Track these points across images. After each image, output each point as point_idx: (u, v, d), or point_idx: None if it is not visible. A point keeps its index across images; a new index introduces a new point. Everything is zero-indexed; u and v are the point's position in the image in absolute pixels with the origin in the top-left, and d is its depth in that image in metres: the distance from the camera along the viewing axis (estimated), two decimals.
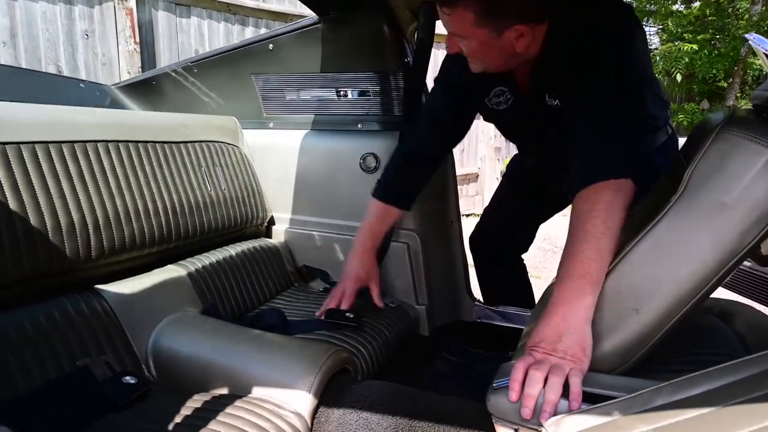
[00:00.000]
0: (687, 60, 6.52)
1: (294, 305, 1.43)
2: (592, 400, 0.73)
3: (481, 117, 1.31)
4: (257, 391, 0.93)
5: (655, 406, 0.63)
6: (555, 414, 0.72)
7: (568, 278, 0.82)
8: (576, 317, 0.79)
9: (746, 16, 6.58)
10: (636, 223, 0.89)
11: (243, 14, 3.48)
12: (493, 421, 0.81)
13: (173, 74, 1.73)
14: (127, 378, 0.92)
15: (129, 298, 1.08)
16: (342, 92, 1.57)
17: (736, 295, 1.74)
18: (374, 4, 1.40)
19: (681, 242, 0.77)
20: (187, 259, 1.30)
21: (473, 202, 5.57)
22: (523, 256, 1.67)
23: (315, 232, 1.63)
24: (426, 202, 1.55)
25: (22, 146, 0.96)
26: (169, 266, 1.24)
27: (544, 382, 0.75)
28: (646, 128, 0.94)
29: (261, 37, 1.60)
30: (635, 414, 0.63)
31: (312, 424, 0.90)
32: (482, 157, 5.61)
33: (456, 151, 5.34)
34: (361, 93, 1.56)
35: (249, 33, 3.54)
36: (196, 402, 0.89)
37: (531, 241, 1.60)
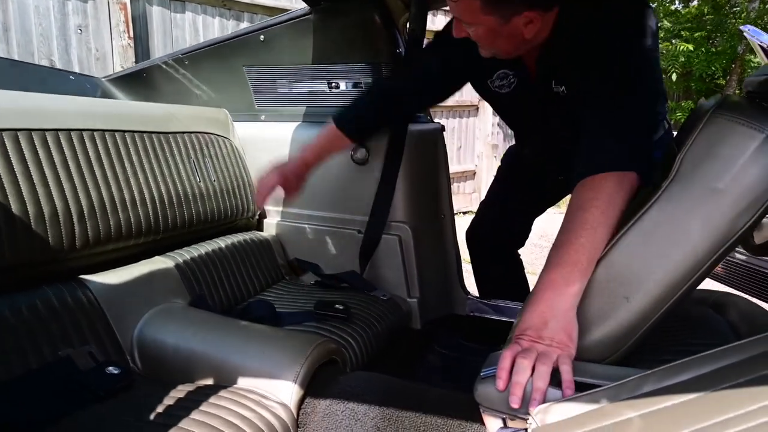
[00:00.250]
0: (683, 59, 6.52)
1: (284, 298, 1.41)
2: (581, 390, 0.71)
3: (481, 97, 1.29)
4: (242, 382, 0.92)
5: (642, 392, 0.61)
6: (543, 402, 0.70)
7: (558, 265, 0.80)
8: (562, 304, 0.78)
9: (743, 14, 6.58)
10: (627, 211, 0.87)
11: (238, 9, 3.47)
12: (481, 411, 0.80)
13: (164, 66, 1.71)
14: (111, 368, 0.91)
15: (114, 289, 1.06)
16: (334, 84, 1.56)
17: (730, 289, 1.73)
18: None
19: (672, 228, 0.76)
20: (176, 251, 1.28)
21: (470, 199, 5.56)
22: (519, 251, 1.66)
23: (306, 225, 1.61)
24: (418, 194, 1.54)
25: (3, 133, 0.94)
26: (157, 257, 1.22)
27: (532, 370, 0.74)
28: (654, 123, 0.93)
29: (252, 28, 1.59)
30: (622, 401, 0.62)
31: (298, 414, 0.88)
32: (479, 154, 5.60)
33: (453, 148, 5.31)
34: (353, 84, 1.55)
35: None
36: (179, 392, 0.88)
37: (527, 235, 1.59)
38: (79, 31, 2.91)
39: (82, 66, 2.92)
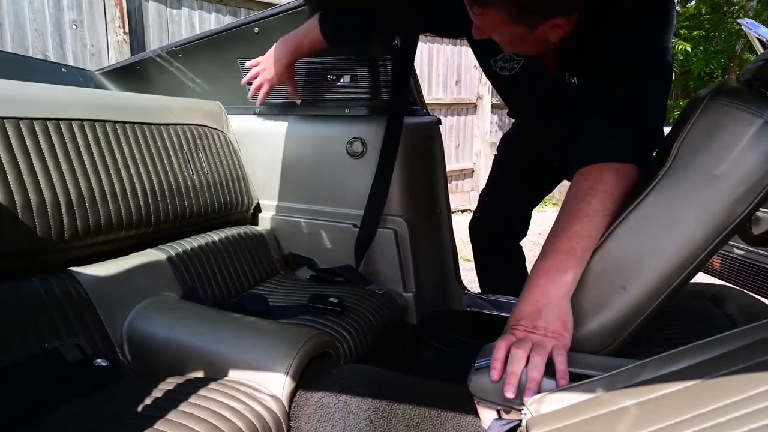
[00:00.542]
0: (682, 57, 6.51)
1: (278, 292, 1.40)
2: (576, 380, 0.70)
3: (482, 70, 1.27)
4: (233, 374, 0.90)
5: (639, 381, 0.60)
6: (538, 392, 0.69)
7: (552, 253, 0.79)
8: (556, 292, 0.76)
9: (741, 14, 6.58)
10: (628, 198, 0.86)
11: (234, 5, 3.45)
12: (475, 402, 0.78)
13: (158, 59, 1.70)
14: (99, 361, 0.89)
15: (104, 281, 1.05)
16: (329, 76, 1.55)
17: (729, 284, 1.72)
18: None
19: (669, 216, 0.74)
20: (168, 244, 1.27)
21: (469, 197, 5.55)
22: (521, 245, 1.65)
23: (302, 219, 1.60)
24: (414, 188, 1.53)
25: None
26: (149, 250, 1.21)
27: (526, 360, 0.73)
28: (659, 119, 0.92)
29: (246, 20, 1.57)
30: (619, 389, 0.60)
31: (290, 407, 0.87)
32: (477, 152, 5.59)
33: (451, 146, 5.30)
34: (349, 77, 1.53)
35: None
36: (169, 385, 0.86)
37: (527, 226, 1.59)
38: (74, 26, 2.89)
39: (77, 61, 2.90)
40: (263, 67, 1.38)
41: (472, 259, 1.68)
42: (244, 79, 1.43)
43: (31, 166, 0.97)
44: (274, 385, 0.87)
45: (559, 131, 1.24)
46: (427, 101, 1.65)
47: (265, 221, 1.66)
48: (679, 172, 0.74)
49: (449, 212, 1.64)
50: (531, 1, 0.85)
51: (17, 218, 0.92)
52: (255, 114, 1.67)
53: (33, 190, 0.95)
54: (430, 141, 1.56)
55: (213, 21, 3.38)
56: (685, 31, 6.78)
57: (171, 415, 0.76)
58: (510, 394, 0.70)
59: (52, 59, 2.82)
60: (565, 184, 1.19)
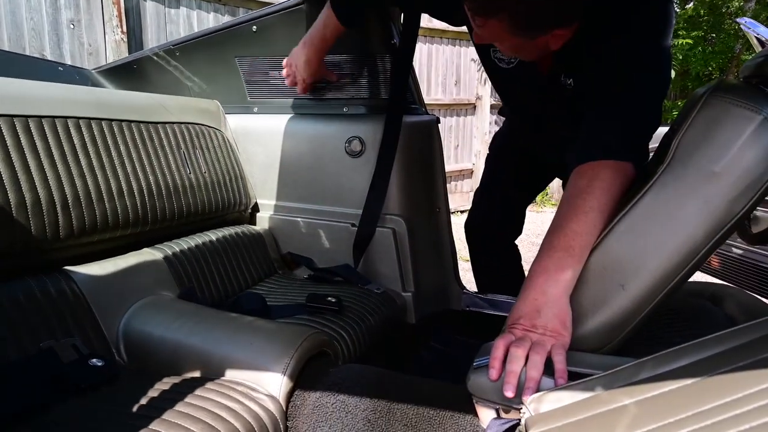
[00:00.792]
0: (681, 57, 6.52)
1: (276, 291, 1.39)
2: (575, 380, 0.70)
3: (480, 61, 1.27)
4: (230, 374, 0.89)
5: (638, 379, 0.60)
6: (537, 391, 0.69)
7: (550, 251, 0.79)
8: (555, 291, 0.76)
9: (739, 15, 6.58)
10: (622, 199, 0.86)
11: (233, 4, 3.44)
12: (474, 401, 0.78)
13: (155, 58, 1.69)
14: (94, 361, 0.88)
15: (100, 280, 1.04)
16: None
17: (728, 283, 1.72)
18: None
19: (668, 214, 0.74)
20: (165, 243, 1.26)
21: (468, 198, 5.54)
22: (517, 243, 1.65)
23: (300, 219, 1.59)
24: (413, 188, 1.52)
25: None
26: (145, 249, 1.20)
27: (525, 359, 0.72)
28: (656, 118, 0.92)
29: (244, 19, 1.56)
30: (618, 388, 0.60)
31: (287, 407, 0.86)
32: (477, 153, 5.58)
33: (450, 146, 5.28)
34: (347, 76, 1.53)
35: None
36: (165, 384, 0.85)
37: (521, 224, 1.59)
38: (71, 25, 2.88)
39: (75, 61, 2.89)
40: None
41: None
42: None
43: (26, 164, 0.96)
44: (271, 384, 0.86)
45: (556, 129, 1.24)
46: (426, 102, 1.64)
47: (263, 220, 1.65)
48: (678, 169, 0.74)
49: (448, 212, 1.63)
50: (533, 15, 0.84)
51: (12, 217, 0.91)
52: (253, 113, 1.67)
53: (28, 189, 0.95)
54: (429, 140, 1.55)
55: (211, 20, 3.37)
56: (684, 32, 6.78)
57: (167, 415, 0.75)
58: (509, 393, 0.70)
59: (50, 59, 2.81)
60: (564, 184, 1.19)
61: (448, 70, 5.12)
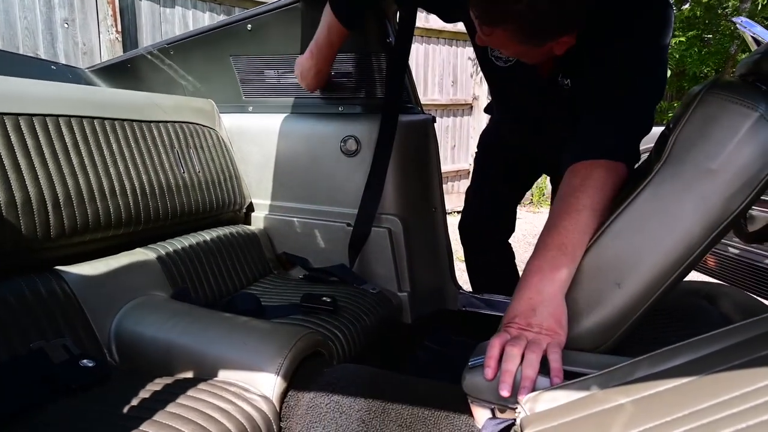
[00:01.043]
0: (677, 56, 6.54)
1: (271, 292, 1.38)
2: (571, 379, 0.69)
3: (477, 60, 1.26)
4: (223, 374, 0.88)
5: (634, 378, 0.59)
6: (533, 391, 0.68)
7: (543, 250, 0.79)
8: (550, 289, 0.75)
9: (735, 16, 6.61)
10: (620, 195, 0.85)
11: (228, 4, 3.43)
12: (469, 401, 0.77)
13: (149, 56, 1.68)
14: (85, 361, 0.87)
15: (92, 281, 1.03)
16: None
17: (724, 283, 1.72)
18: None
19: (664, 211, 0.74)
20: (158, 243, 1.25)
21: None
22: (510, 242, 1.64)
23: (295, 219, 1.58)
24: (409, 187, 1.51)
25: None
26: (138, 249, 1.19)
27: (521, 358, 0.72)
28: (650, 119, 0.93)
29: (239, 17, 1.55)
30: (614, 387, 0.59)
31: (281, 407, 0.86)
32: (473, 153, 5.58)
33: (447, 147, 5.27)
34: (342, 75, 1.52)
35: None
36: (156, 385, 0.84)
37: (513, 222, 1.60)
38: (65, 24, 2.86)
39: (69, 60, 2.87)
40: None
41: None
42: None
43: (16, 163, 0.95)
44: (264, 385, 0.85)
45: (551, 129, 1.24)
46: (423, 102, 1.64)
47: (258, 220, 1.64)
48: (674, 167, 0.73)
49: (444, 211, 1.63)
50: (540, 25, 0.84)
51: (1, 216, 0.90)
52: (248, 112, 1.66)
53: (18, 187, 0.93)
54: (424, 139, 1.54)
55: (207, 20, 3.36)
56: (680, 32, 6.81)
57: (158, 416, 0.74)
58: (505, 393, 0.69)
59: (43, 58, 2.79)
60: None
61: (445, 70, 5.12)
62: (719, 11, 6.87)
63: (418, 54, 4.81)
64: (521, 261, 1.53)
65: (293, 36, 1.51)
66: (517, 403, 0.68)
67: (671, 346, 0.60)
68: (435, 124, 1.58)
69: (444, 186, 1.66)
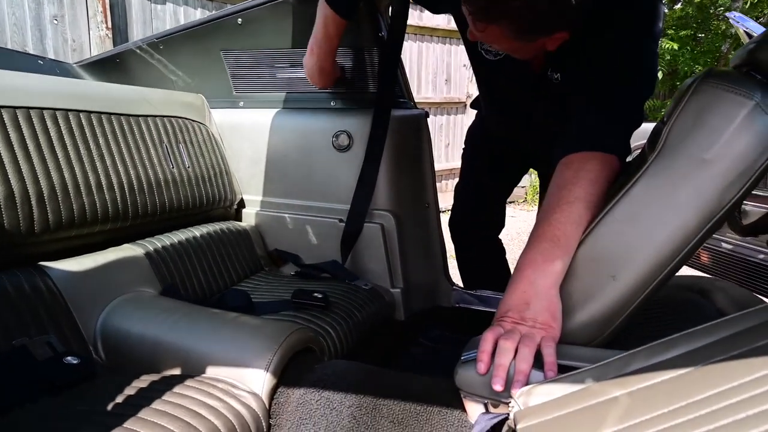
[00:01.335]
0: (669, 57, 6.57)
1: (262, 288, 1.36)
2: (565, 373, 0.68)
3: (467, 52, 1.25)
4: (211, 371, 0.87)
5: (629, 371, 0.58)
6: (527, 384, 0.67)
7: (536, 242, 0.77)
8: (544, 282, 0.74)
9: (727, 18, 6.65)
10: (613, 187, 0.84)
11: (220, 0, 3.40)
12: (462, 396, 0.76)
13: (138, 51, 1.65)
14: (69, 358, 0.85)
15: (77, 277, 1.00)
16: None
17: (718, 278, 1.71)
18: None
19: (659, 202, 0.73)
20: (146, 239, 1.22)
21: None
22: (501, 238, 1.64)
23: (287, 215, 1.56)
24: (401, 183, 1.50)
25: None
26: (125, 245, 1.17)
27: (514, 352, 0.70)
28: (640, 113, 0.92)
29: (229, 11, 1.53)
30: (609, 380, 0.58)
31: (270, 404, 0.84)
32: None
33: (441, 145, 5.26)
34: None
35: None
36: (143, 382, 0.82)
37: (502, 218, 1.60)
38: (54, 21, 2.83)
39: (58, 57, 2.83)
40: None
41: None
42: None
43: None
44: (253, 381, 0.83)
45: (541, 124, 1.23)
46: (416, 100, 1.62)
47: (249, 217, 1.62)
48: (669, 157, 0.72)
49: (437, 207, 1.62)
50: (535, 21, 0.83)
51: None
52: (239, 107, 1.64)
53: (0, 181, 0.91)
54: (417, 134, 1.53)
55: (198, 16, 3.33)
56: (673, 32, 6.84)
57: (143, 413, 0.72)
58: (498, 387, 0.68)
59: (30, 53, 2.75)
60: None
61: (438, 68, 5.11)
62: (711, 11, 6.91)
63: (412, 52, 4.80)
64: (515, 260, 1.53)
65: (284, 30, 1.49)
66: (511, 397, 0.66)
67: (667, 338, 0.59)
68: (428, 119, 1.57)
69: (438, 184, 1.65)
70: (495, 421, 0.67)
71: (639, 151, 0.87)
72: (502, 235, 1.69)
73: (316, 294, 1.20)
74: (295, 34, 1.48)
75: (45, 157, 1.00)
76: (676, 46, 6.57)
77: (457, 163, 5.65)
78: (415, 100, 1.61)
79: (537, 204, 5.67)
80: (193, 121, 1.48)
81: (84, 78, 1.70)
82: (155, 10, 3.15)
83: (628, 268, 0.74)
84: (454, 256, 1.68)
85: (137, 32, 3.09)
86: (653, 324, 0.99)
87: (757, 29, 1.77)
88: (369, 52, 1.46)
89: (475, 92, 5.64)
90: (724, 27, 6.65)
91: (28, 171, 0.96)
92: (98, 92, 1.22)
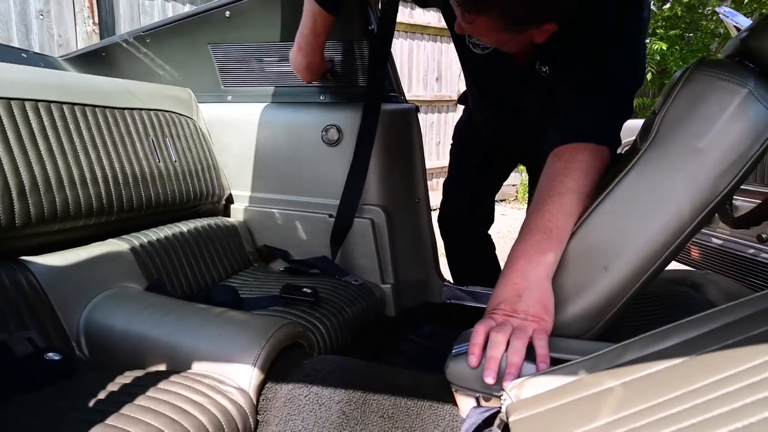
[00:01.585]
0: (658, 58, 6.62)
1: (251, 284, 1.34)
2: (557, 365, 0.67)
3: (455, 46, 1.24)
4: (197, 366, 0.85)
5: (623, 361, 0.57)
6: (519, 377, 0.66)
7: (527, 234, 0.76)
8: (536, 274, 0.73)
9: (715, 17, 6.71)
10: (605, 178, 0.84)
11: None
12: (453, 390, 0.75)
13: (124, 45, 1.62)
14: (50, 355, 0.82)
15: (60, 272, 0.98)
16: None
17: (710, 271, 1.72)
18: None
19: (652, 192, 0.72)
20: (132, 234, 1.20)
21: None
22: (491, 234, 1.63)
23: (276, 210, 1.54)
24: (392, 177, 1.48)
25: None
26: (110, 240, 1.14)
27: (506, 345, 0.69)
28: (630, 106, 0.92)
29: (217, 4, 1.51)
30: (602, 371, 0.57)
31: (258, 400, 0.82)
32: None
33: (431, 143, 5.26)
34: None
35: None
36: (126, 378, 0.80)
37: (492, 213, 1.60)
38: (40, 16, 2.78)
39: (44, 52, 2.78)
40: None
41: None
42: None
43: None
44: (240, 377, 0.82)
45: (529, 117, 1.22)
46: (407, 98, 1.61)
47: (238, 212, 1.60)
48: (661, 146, 0.72)
49: (428, 202, 1.60)
50: (524, 13, 0.82)
51: None
52: (227, 101, 1.61)
53: None
54: (408, 128, 1.52)
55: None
56: (662, 31, 6.89)
57: (126, 410, 0.70)
58: (490, 380, 0.67)
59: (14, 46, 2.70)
60: None
61: (429, 66, 5.10)
62: (700, 11, 6.97)
63: (403, 50, 4.79)
64: (505, 258, 1.53)
65: (273, 23, 1.47)
66: (503, 390, 0.65)
67: (661, 328, 0.59)
68: (419, 114, 1.55)
69: (429, 182, 1.64)
70: (487, 414, 0.66)
71: (629, 147, 0.87)
72: (493, 233, 1.68)
73: (305, 289, 1.18)
74: (285, 27, 1.46)
75: (26, 149, 0.98)
76: (665, 46, 6.63)
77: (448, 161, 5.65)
78: (406, 99, 1.60)
79: (527, 202, 5.69)
80: (180, 114, 1.45)
81: (69, 70, 1.66)
82: (143, 6, 3.11)
83: (620, 260, 0.73)
84: (444, 253, 1.67)
85: (125, 28, 3.05)
86: (645, 317, 0.99)
87: (745, 24, 1.78)
88: (359, 46, 1.44)
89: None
90: (713, 26, 6.71)
91: (8, 163, 0.94)
92: (83, 84, 1.19)
